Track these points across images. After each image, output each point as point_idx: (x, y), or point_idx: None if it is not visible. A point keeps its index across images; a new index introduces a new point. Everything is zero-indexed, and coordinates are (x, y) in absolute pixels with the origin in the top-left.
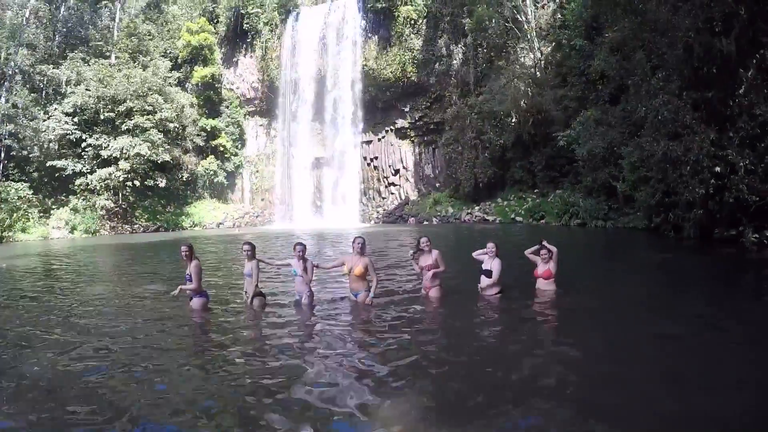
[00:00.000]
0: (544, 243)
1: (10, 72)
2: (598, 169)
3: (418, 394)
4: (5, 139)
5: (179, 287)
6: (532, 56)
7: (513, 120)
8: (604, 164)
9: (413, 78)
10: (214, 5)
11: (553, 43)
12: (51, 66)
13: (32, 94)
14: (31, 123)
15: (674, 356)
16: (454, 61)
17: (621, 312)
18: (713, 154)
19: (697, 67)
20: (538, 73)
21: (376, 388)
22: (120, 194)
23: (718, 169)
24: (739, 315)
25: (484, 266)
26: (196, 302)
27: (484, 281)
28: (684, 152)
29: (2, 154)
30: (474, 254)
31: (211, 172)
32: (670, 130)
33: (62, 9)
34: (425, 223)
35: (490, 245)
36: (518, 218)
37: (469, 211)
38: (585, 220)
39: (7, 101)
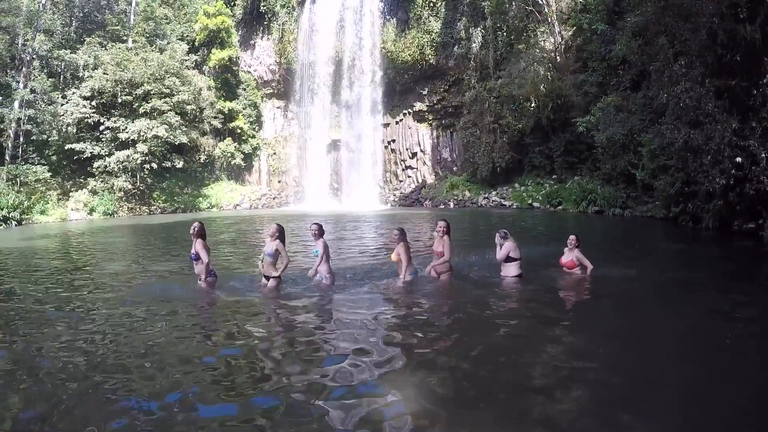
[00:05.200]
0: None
1: (28, 58)
2: (617, 157)
3: (430, 379)
4: (24, 123)
5: (200, 282)
6: (552, 40)
7: (532, 105)
8: (623, 151)
9: (432, 61)
10: None
11: (574, 28)
12: (68, 51)
13: (50, 79)
14: (49, 107)
15: (692, 349)
16: (473, 44)
17: (637, 303)
18: (735, 143)
19: (721, 54)
20: (558, 57)
21: (390, 368)
22: (138, 176)
23: (739, 159)
24: (758, 308)
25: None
26: (207, 281)
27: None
28: (705, 141)
29: (21, 138)
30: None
31: (229, 154)
32: (691, 118)
33: None
34: (442, 206)
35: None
36: (535, 204)
37: (486, 195)
38: (603, 207)
39: (25, 86)
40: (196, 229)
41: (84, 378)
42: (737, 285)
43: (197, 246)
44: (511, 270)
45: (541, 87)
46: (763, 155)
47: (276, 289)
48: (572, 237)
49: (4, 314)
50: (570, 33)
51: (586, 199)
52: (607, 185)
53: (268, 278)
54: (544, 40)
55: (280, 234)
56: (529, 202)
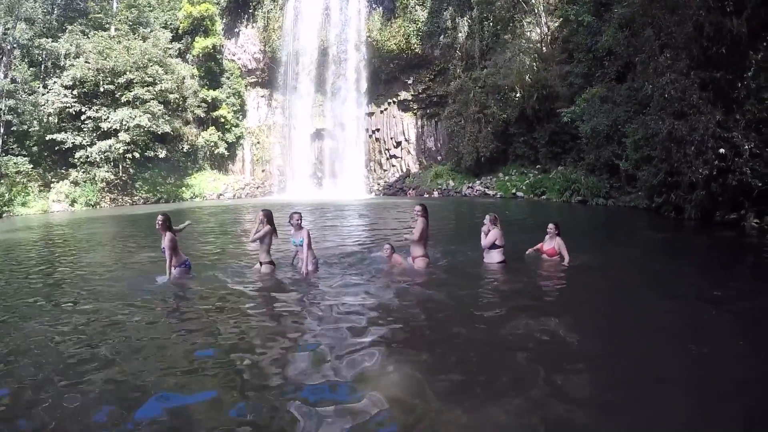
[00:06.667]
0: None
1: (9, 47)
2: (601, 147)
3: (415, 363)
4: (5, 114)
5: (168, 276)
6: (538, 31)
7: (517, 95)
8: (607, 142)
9: (417, 50)
10: None
11: (561, 19)
12: (50, 39)
13: (31, 69)
14: (30, 97)
15: (674, 337)
16: (460, 34)
17: (619, 290)
18: (719, 135)
19: (707, 46)
20: (544, 48)
21: (372, 357)
22: (120, 166)
23: (722, 150)
24: (739, 296)
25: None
26: (176, 272)
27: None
28: (689, 132)
29: (2, 129)
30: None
31: (212, 144)
32: (676, 109)
33: None
34: (426, 195)
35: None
36: (519, 193)
37: (471, 185)
38: (586, 197)
39: (6, 76)
40: (161, 222)
41: (63, 372)
42: (721, 273)
43: (166, 242)
44: (494, 257)
45: (527, 77)
46: (746, 147)
47: (269, 273)
48: (551, 225)
49: None
50: (556, 24)
51: (570, 189)
52: (591, 175)
53: (262, 264)
54: (530, 31)
55: (269, 219)
56: (513, 191)
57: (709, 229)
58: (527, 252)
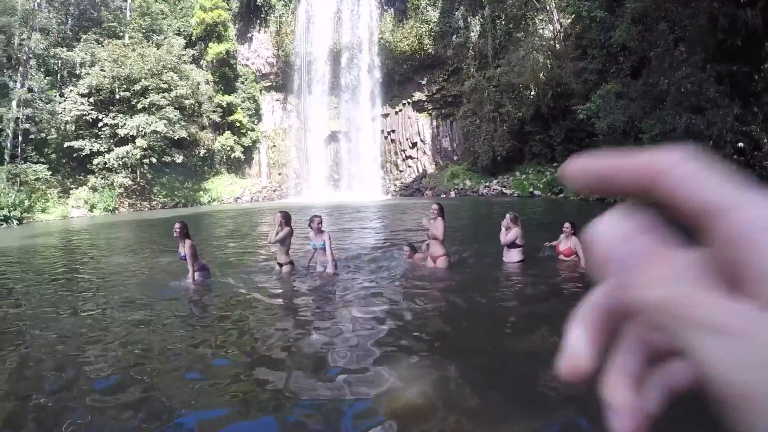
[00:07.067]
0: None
1: (25, 57)
2: (618, 144)
3: (437, 372)
4: (23, 122)
5: (191, 280)
6: (551, 28)
7: (531, 93)
8: (624, 138)
9: (430, 50)
10: None
11: (573, 15)
12: (65, 49)
13: (47, 78)
14: (47, 106)
15: None
16: (472, 33)
17: None
18: (737, 129)
19: (722, 39)
20: (557, 45)
21: (392, 355)
22: (138, 172)
23: (741, 144)
24: None
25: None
26: (197, 275)
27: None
28: (707, 126)
29: (20, 138)
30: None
31: (228, 148)
32: (692, 104)
33: None
34: (443, 196)
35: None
36: (536, 192)
37: (487, 184)
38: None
39: (22, 86)
40: (179, 230)
41: (84, 378)
42: None
43: (186, 248)
44: (514, 256)
45: (541, 75)
46: (765, 140)
47: (289, 275)
48: (567, 224)
49: (5, 313)
50: (569, 20)
51: None
52: None
53: (281, 265)
54: (542, 28)
55: (287, 220)
56: (530, 190)
57: None
58: (545, 244)
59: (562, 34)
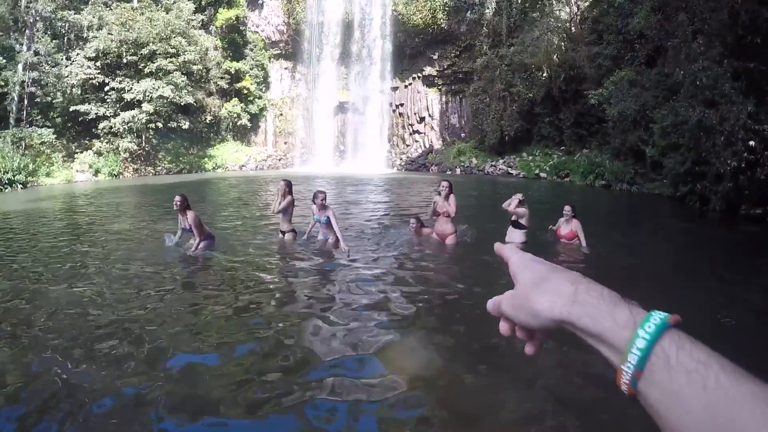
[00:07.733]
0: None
1: (32, 20)
2: (627, 132)
3: (433, 347)
4: (29, 86)
5: (195, 250)
6: (568, 10)
7: (544, 74)
8: (634, 127)
9: (443, 25)
10: None
11: None
12: (72, 12)
13: (54, 41)
14: (53, 69)
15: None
16: (487, 10)
17: (640, 280)
18: (749, 126)
19: (741, 35)
20: (573, 28)
21: (391, 329)
22: (143, 137)
23: (752, 143)
24: (763, 292)
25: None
26: (203, 245)
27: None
28: (719, 121)
29: (26, 101)
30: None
31: (235, 115)
32: (706, 98)
33: None
34: (448, 172)
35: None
36: (542, 174)
37: (493, 163)
38: (610, 181)
39: (29, 49)
40: (179, 203)
41: (87, 342)
42: (744, 267)
43: (190, 220)
44: (516, 237)
45: (554, 57)
46: None
47: (291, 242)
48: (567, 207)
49: (8, 275)
50: (586, 4)
51: (594, 172)
52: (616, 160)
53: (284, 233)
54: (559, 10)
55: (290, 189)
56: (537, 172)
57: (733, 223)
58: (550, 228)
59: (578, 17)
